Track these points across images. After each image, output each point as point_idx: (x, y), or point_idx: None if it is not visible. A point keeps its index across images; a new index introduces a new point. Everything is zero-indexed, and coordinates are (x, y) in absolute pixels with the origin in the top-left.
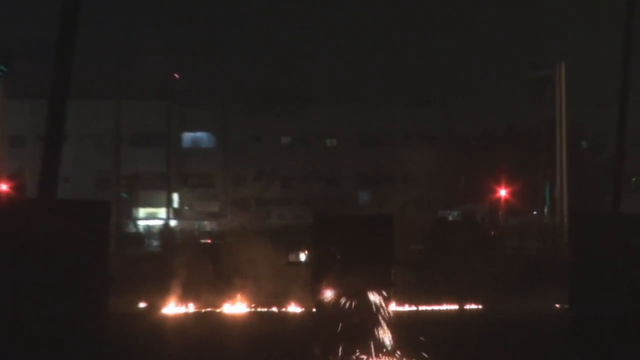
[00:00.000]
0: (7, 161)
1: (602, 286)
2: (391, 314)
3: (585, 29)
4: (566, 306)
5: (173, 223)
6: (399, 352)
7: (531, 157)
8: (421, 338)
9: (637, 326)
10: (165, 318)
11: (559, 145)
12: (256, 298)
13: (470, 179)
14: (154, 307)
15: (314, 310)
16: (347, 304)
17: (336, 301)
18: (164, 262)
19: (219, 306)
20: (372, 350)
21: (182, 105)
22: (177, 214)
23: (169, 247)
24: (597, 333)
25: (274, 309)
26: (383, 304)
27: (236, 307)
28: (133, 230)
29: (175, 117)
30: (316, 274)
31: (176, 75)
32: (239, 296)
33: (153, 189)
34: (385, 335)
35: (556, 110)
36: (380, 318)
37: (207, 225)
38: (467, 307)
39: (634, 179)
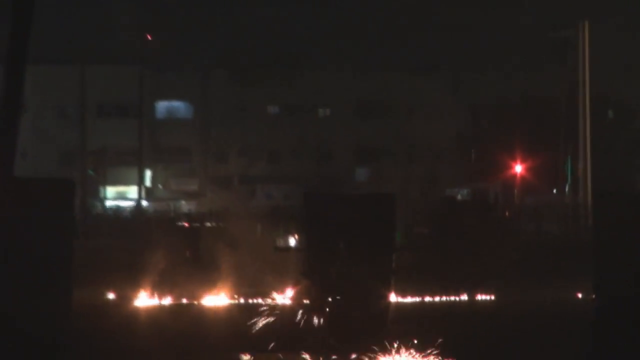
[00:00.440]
0: None
1: (631, 274)
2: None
3: None
4: (591, 296)
5: (146, 204)
6: (403, 349)
7: (551, 129)
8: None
9: None
10: (136, 311)
11: (582, 115)
12: (240, 288)
13: (481, 154)
14: (124, 298)
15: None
16: (344, 296)
17: (331, 293)
18: (135, 248)
19: (198, 298)
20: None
21: (156, 70)
22: (150, 193)
23: (141, 231)
24: (625, 326)
25: (260, 301)
26: (383, 295)
27: (217, 298)
28: (100, 211)
29: (148, 84)
30: (307, 271)
31: (149, 37)
32: (220, 286)
33: (123, 166)
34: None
35: (579, 75)
36: (380, 310)
37: (184, 206)
38: (478, 298)
39: None
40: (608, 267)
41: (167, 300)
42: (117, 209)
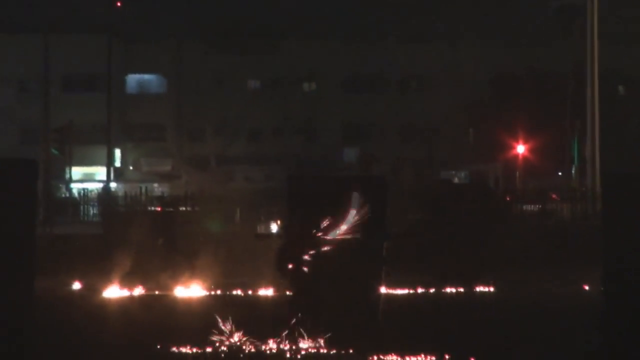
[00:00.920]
0: None
1: None
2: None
3: None
4: (599, 288)
5: (115, 186)
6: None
7: (556, 106)
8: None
9: None
10: (105, 302)
11: (591, 91)
12: (217, 279)
13: (481, 133)
14: (91, 289)
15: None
16: (328, 288)
17: (314, 284)
18: (104, 235)
19: (171, 288)
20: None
21: (126, 41)
22: (119, 174)
23: (110, 216)
24: (635, 319)
25: (239, 292)
26: (373, 287)
27: (192, 289)
28: (66, 195)
29: (118, 55)
30: (283, 249)
31: (119, 4)
32: (195, 277)
33: (90, 144)
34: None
35: (587, 47)
36: (370, 303)
37: (157, 188)
38: (477, 290)
39: None
40: (619, 256)
41: (138, 291)
42: (84, 192)
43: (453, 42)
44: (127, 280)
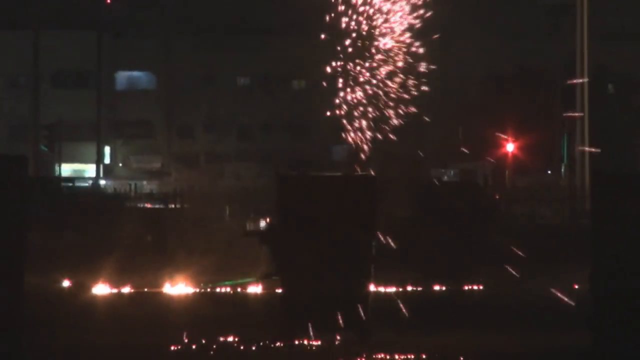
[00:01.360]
0: None
1: (632, 263)
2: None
3: None
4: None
5: (104, 183)
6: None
7: (546, 104)
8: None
9: None
10: (94, 299)
11: (580, 89)
12: (206, 276)
13: (470, 131)
14: (80, 286)
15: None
16: (318, 285)
17: (305, 281)
18: (93, 232)
19: (160, 286)
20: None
21: (116, 37)
22: (109, 171)
23: (99, 212)
24: (624, 319)
25: (228, 290)
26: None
27: (181, 287)
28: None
29: (107, 52)
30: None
31: (108, 1)
32: (184, 274)
33: (80, 141)
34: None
35: (577, 45)
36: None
37: (147, 185)
38: (466, 287)
39: None
40: (607, 254)
41: (126, 289)
42: (73, 189)
43: (441, 38)
44: (116, 278)
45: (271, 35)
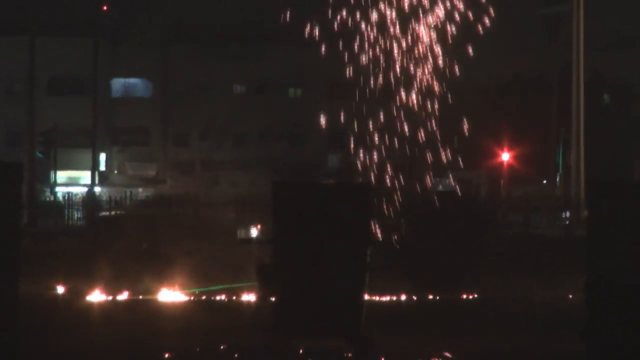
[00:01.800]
0: None
1: (628, 273)
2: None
3: None
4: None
5: (99, 190)
6: None
7: (541, 113)
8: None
9: None
10: (88, 307)
11: (576, 98)
12: (200, 283)
13: (464, 140)
14: (74, 293)
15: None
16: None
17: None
18: (88, 238)
19: (155, 293)
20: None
21: (112, 44)
22: (104, 178)
23: (94, 219)
24: (618, 331)
25: (223, 298)
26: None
27: (175, 294)
28: (50, 198)
29: (103, 58)
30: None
31: (105, 7)
32: (179, 281)
33: (75, 148)
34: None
35: (573, 54)
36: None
37: (142, 193)
38: (462, 296)
39: None
40: (602, 264)
41: (122, 296)
42: (68, 196)
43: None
44: (111, 285)
45: (267, 43)
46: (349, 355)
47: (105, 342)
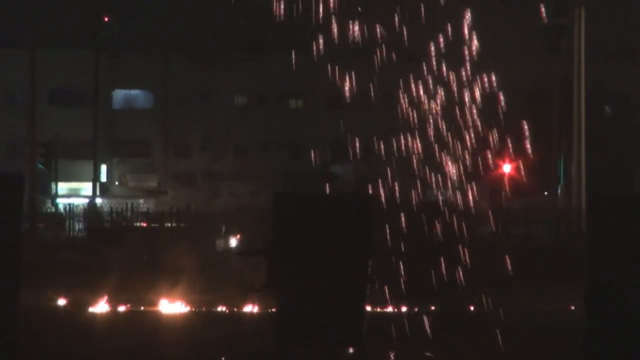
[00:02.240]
0: None
1: (629, 286)
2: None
3: None
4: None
5: (100, 201)
6: None
7: (542, 125)
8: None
9: None
10: (89, 318)
11: (577, 110)
12: (201, 295)
13: (464, 151)
14: (75, 304)
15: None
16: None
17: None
18: (89, 250)
19: (156, 304)
20: None
21: (113, 56)
22: (105, 190)
23: (96, 231)
24: (617, 342)
25: (224, 309)
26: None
27: (176, 305)
28: (51, 209)
29: (104, 70)
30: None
31: (106, 19)
32: (179, 293)
33: (76, 159)
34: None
35: (574, 66)
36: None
37: (143, 204)
38: (464, 308)
39: None
40: (603, 277)
41: (122, 307)
42: (69, 207)
43: (437, 60)
44: (112, 296)
45: (268, 54)
46: None
47: (105, 353)
